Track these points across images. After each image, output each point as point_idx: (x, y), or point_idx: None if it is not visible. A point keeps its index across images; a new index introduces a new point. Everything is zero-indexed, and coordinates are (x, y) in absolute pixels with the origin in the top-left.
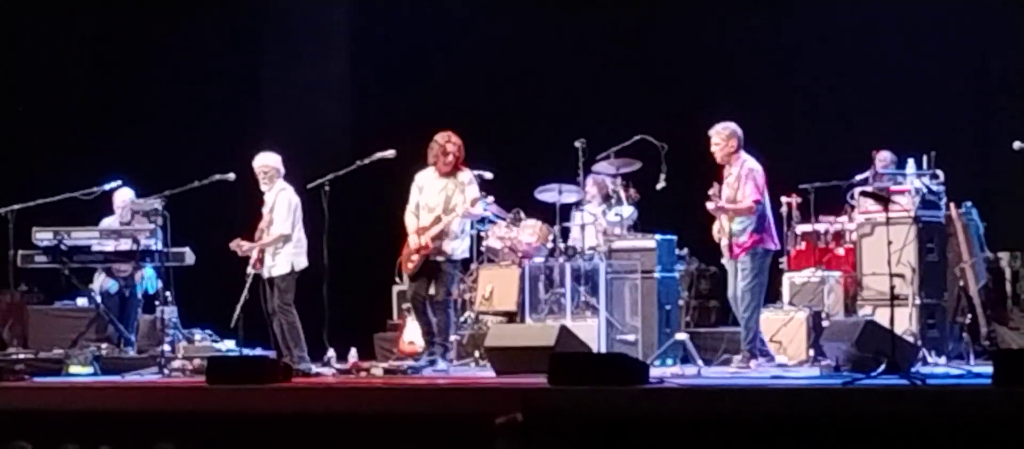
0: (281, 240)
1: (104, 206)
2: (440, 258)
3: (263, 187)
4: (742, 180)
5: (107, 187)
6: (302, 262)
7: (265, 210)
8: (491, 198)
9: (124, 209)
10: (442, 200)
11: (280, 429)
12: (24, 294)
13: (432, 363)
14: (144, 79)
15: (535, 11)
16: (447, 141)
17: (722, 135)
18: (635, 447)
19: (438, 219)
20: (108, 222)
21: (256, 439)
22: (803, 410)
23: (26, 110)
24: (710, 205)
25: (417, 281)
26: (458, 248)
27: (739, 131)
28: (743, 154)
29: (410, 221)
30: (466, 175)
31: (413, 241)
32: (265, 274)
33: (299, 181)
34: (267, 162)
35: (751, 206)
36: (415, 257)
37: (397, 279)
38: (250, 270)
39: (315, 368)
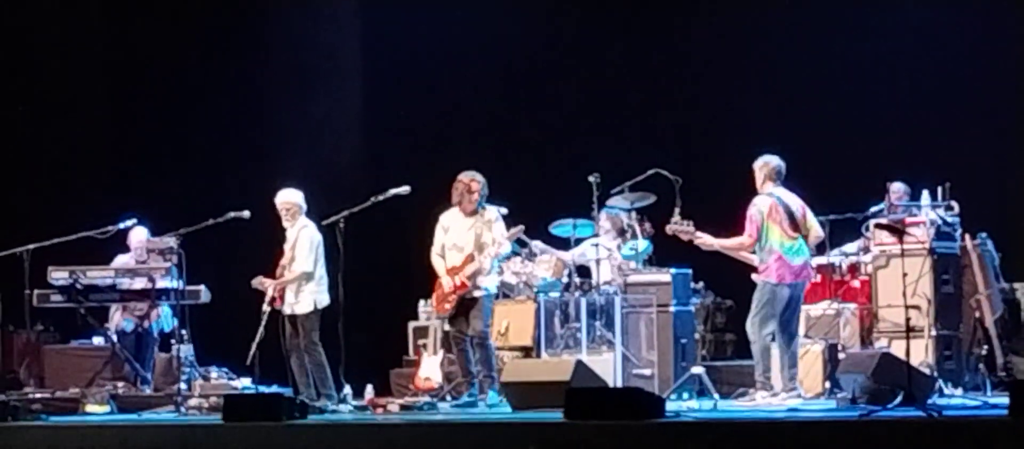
0: (304, 278)
1: (119, 245)
2: (477, 293)
3: (285, 224)
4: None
5: (122, 226)
6: (325, 299)
7: (287, 246)
8: (522, 226)
9: (140, 248)
10: (471, 239)
11: None
12: (40, 333)
13: (482, 399)
14: (158, 117)
15: (549, 46)
16: (471, 180)
17: (756, 167)
18: None
19: (471, 257)
20: (123, 260)
21: None
22: (819, 443)
23: (41, 149)
24: (698, 243)
25: (456, 320)
26: (492, 283)
27: (772, 163)
28: (768, 187)
29: (438, 263)
30: (492, 212)
31: (446, 282)
32: (287, 311)
33: (314, 217)
34: (289, 199)
35: (744, 243)
36: (452, 298)
37: (427, 313)
38: (266, 307)
39: (331, 405)
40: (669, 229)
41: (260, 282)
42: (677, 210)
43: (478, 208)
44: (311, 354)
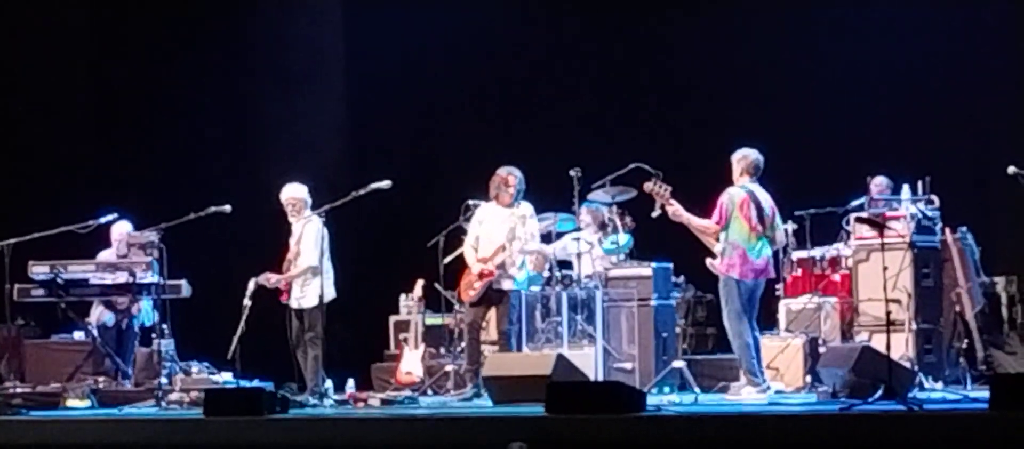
0: (310, 272)
1: (100, 239)
2: (505, 285)
3: (291, 218)
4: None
5: (103, 220)
6: (330, 293)
7: (293, 241)
8: (554, 220)
9: (121, 242)
10: (505, 232)
11: None
12: (21, 328)
13: (478, 396)
14: (139, 112)
15: (529, 42)
16: (509, 174)
17: (735, 159)
18: None
19: (502, 247)
20: (106, 255)
21: None
22: (800, 436)
23: (21, 143)
24: (670, 210)
25: (476, 308)
26: (522, 277)
27: (751, 156)
28: (744, 181)
29: (469, 253)
30: (527, 207)
31: (476, 268)
32: (293, 305)
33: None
34: (293, 194)
35: (710, 227)
36: (478, 284)
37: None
38: (247, 301)
39: (313, 400)
40: (647, 187)
41: (266, 278)
42: (659, 175)
43: (513, 203)
44: (313, 347)
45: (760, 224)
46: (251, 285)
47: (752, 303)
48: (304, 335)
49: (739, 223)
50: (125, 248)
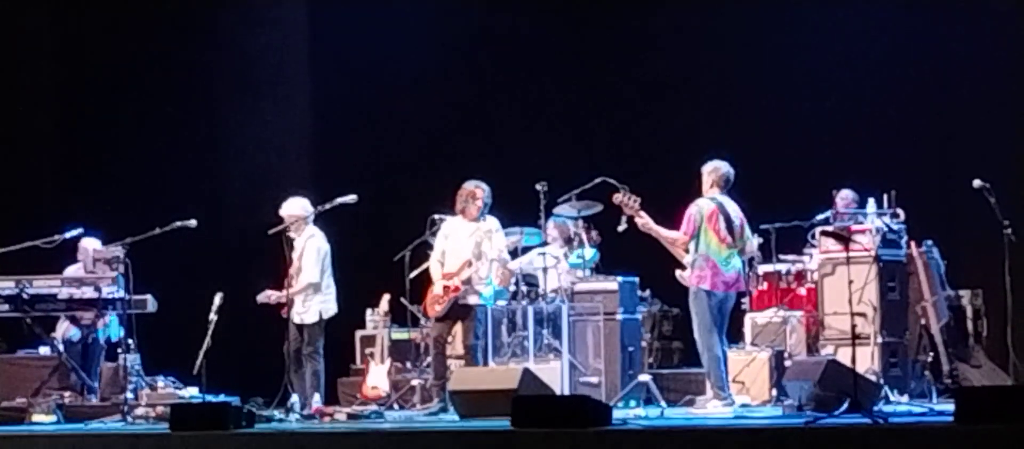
0: (311, 288)
1: (66, 254)
2: (471, 300)
3: (292, 234)
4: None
5: (68, 235)
6: (331, 309)
7: (294, 255)
8: (520, 237)
9: (87, 257)
10: (471, 246)
11: None
12: None
13: (444, 410)
14: (104, 126)
15: (496, 55)
16: (476, 188)
17: (705, 171)
18: None
19: (468, 263)
20: (73, 270)
21: None
22: None
23: None
24: (639, 222)
25: (442, 323)
26: (488, 293)
27: (722, 169)
28: (713, 193)
29: (435, 268)
30: (493, 222)
31: (440, 286)
32: (296, 319)
33: (260, 227)
34: (290, 211)
35: (679, 238)
36: (444, 299)
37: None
38: (213, 315)
39: (279, 414)
40: (616, 199)
41: (267, 296)
42: (624, 218)
43: (480, 217)
44: (312, 362)
45: (730, 236)
46: (217, 299)
47: (723, 316)
48: (303, 350)
49: (709, 235)
50: (92, 263)
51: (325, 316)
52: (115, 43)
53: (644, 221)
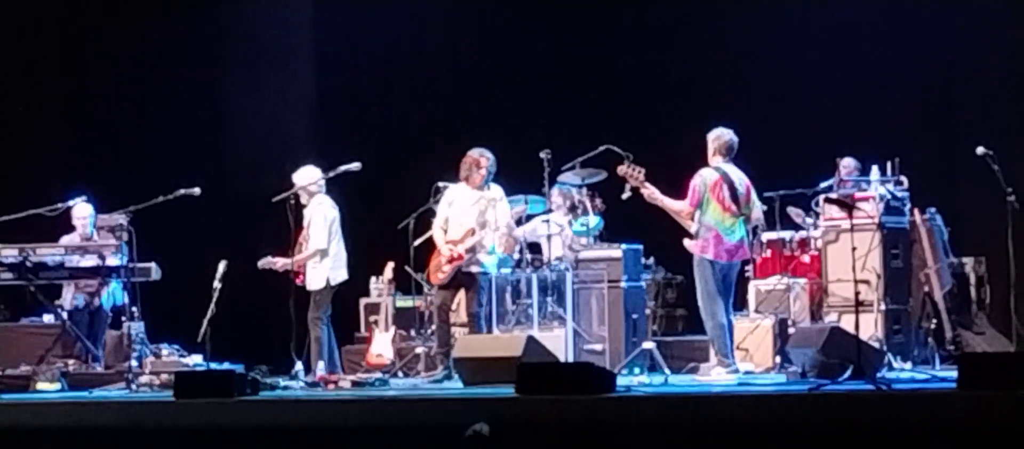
0: (318, 254)
1: (69, 224)
2: (474, 268)
3: (302, 201)
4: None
5: (71, 203)
6: (340, 275)
7: (305, 223)
8: (525, 207)
9: (83, 223)
10: (475, 214)
11: (248, 442)
12: None
13: (449, 378)
14: (108, 95)
15: (499, 23)
16: (481, 156)
17: (709, 139)
18: None
19: (472, 231)
20: (69, 239)
21: None
22: (769, 416)
23: None
24: (645, 192)
25: (446, 290)
26: (491, 263)
27: (725, 137)
28: (717, 161)
29: (438, 235)
30: (498, 190)
31: (445, 252)
32: (308, 287)
33: (264, 194)
34: (298, 181)
35: (684, 209)
36: (447, 267)
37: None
38: (216, 283)
39: (283, 381)
40: (620, 171)
41: (270, 262)
42: (628, 186)
43: (484, 185)
44: (315, 328)
45: (734, 204)
46: (221, 267)
47: (727, 284)
48: (309, 315)
49: (713, 205)
50: (86, 229)
51: (333, 283)
52: (120, 12)
53: (649, 191)
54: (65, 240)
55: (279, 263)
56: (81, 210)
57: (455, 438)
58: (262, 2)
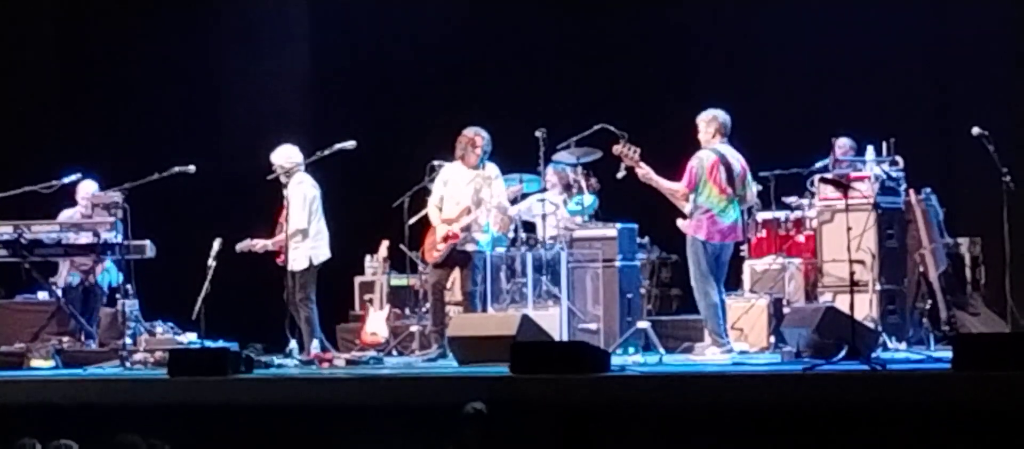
0: (299, 234)
1: (64, 199)
2: (469, 247)
3: (282, 180)
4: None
5: (66, 180)
6: (322, 255)
7: (285, 203)
8: (521, 186)
9: (87, 201)
10: (470, 193)
11: (242, 420)
12: None
13: (443, 356)
14: (104, 72)
15: (495, 1)
16: (476, 135)
17: (703, 120)
18: (597, 434)
19: (467, 210)
20: (69, 214)
21: (218, 431)
22: (764, 396)
23: None
24: (640, 173)
25: (441, 269)
26: (486, 241)
27: (720, 117)
28: (714, 142)
29: (433, 213)
30: (493, 169)
31: (440, 230)
32: (290, 267)
33: (260, 173)
34: (277, 159)
35: (679, 190)
36: (442, 245)
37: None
38: (211, 261)
39: (277, 359)
40: (615, 150)
41: (250, 245)
42: (623, 164)
43: (479, 164)
44: (304, 307)
45: (730, 186)
46: (215, 245)
47: (720, 265)
48: (296, 296)
49: (709, 188)
50: (90, 207)
51: (315, 262)
52: None
53: (644, 172)
54: (65, 214)
55: (258, 245)
56: (86, 187)
57: (449, 416)
58: None
